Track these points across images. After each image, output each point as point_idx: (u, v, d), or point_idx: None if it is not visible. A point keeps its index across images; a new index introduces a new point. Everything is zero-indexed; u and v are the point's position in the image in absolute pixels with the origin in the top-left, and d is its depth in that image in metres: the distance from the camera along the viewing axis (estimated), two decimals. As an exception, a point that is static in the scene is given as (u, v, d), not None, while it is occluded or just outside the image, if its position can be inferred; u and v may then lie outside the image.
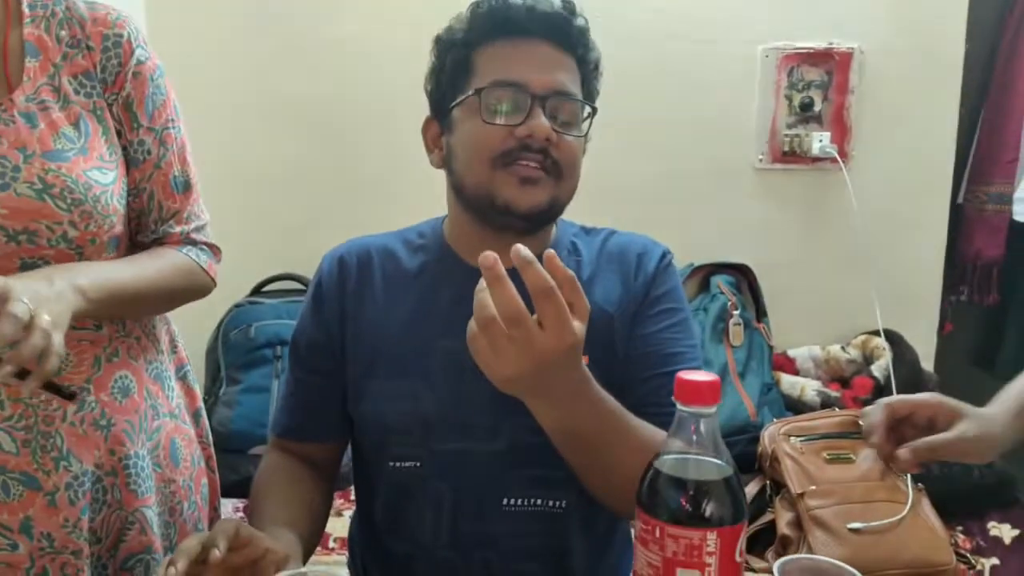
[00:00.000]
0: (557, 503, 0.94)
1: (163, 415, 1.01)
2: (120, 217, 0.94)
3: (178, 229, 1.01)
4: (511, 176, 0.91)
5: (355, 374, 0.97)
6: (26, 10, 0.91)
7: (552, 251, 0.71)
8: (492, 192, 0.91)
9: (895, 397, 0.90)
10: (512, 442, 0.92)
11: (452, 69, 0.96)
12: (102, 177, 0.92)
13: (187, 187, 1.02)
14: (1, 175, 0.85)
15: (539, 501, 0.93)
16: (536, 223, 0.94)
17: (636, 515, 0.65)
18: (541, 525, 0.94)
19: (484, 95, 0.92)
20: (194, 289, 1.02)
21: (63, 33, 0.92)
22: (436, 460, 0.94)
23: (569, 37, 0.95)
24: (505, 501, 0.93)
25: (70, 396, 0.85)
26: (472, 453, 0.93)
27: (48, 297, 0.78)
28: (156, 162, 0.98)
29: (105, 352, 0.95)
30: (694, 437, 0.64)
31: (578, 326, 0.70)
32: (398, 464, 0.95)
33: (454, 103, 0.95)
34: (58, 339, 0.76)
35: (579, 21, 0.95)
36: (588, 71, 0.97)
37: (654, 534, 0.63)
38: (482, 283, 0.70)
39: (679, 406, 0.64)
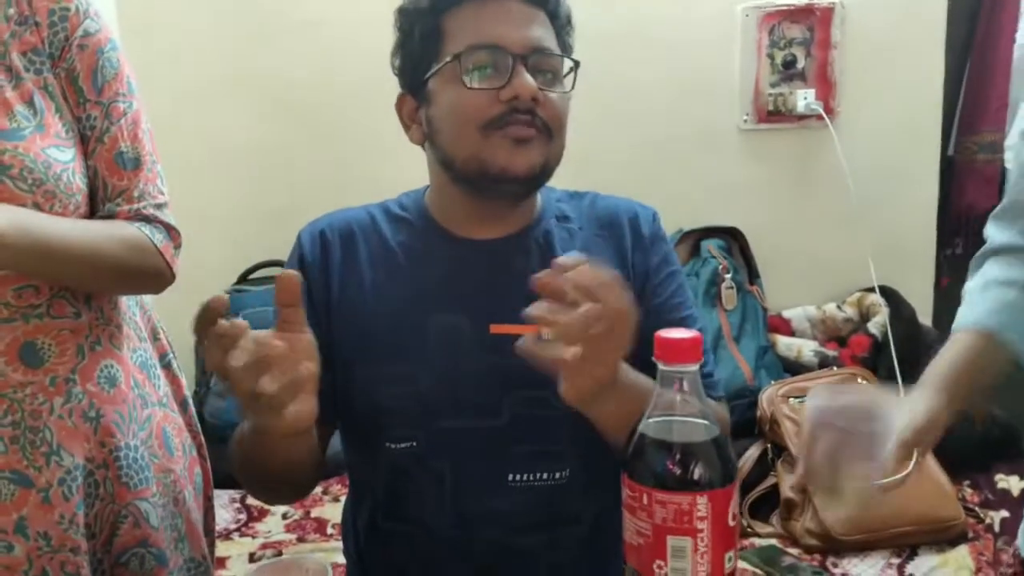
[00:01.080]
0: (560, 474, 0.92)
1: (152, 404, 0.98)
2: (84, 196, 0.91)
3: (126, 207, 0.94)
4: (503, 139, 0.87)
5: (344, 355, 0.94)
6: None
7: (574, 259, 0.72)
8: (484, 160, 0.88)
9: (822, 406, 0.84)
10: (513, 417, 0.90)
11: (421, 38, 0.92)
12: (60, 155, 0.88)
13: (137, 163, 0.95)
14: None
15: (544, 475, 0.92)
16: (531, 187, 0.92)
17: (622, 481, 0.62)
18: (545, 497, 0.92)
19: (463, 60, 0.88)
20: (145, 269, 0.95)
21: (11, 11, 0.89)
22: (435, 439, 0.91)
23: None
24: (509, 477, 0.91)
25: None
26: (472, 431, 0.90)
27: None
28: (99, 136, 0.93)
29: (87, 340, 0.92)
30: (678, 397, 0.61)
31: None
32: (395, 445, 0.92)
33: (429, 73, 0.91)
34: None
35: None
36: (560, 26, 0.94)
37: (641, 500, 0.60)
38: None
39: (661, 365, 0.61)
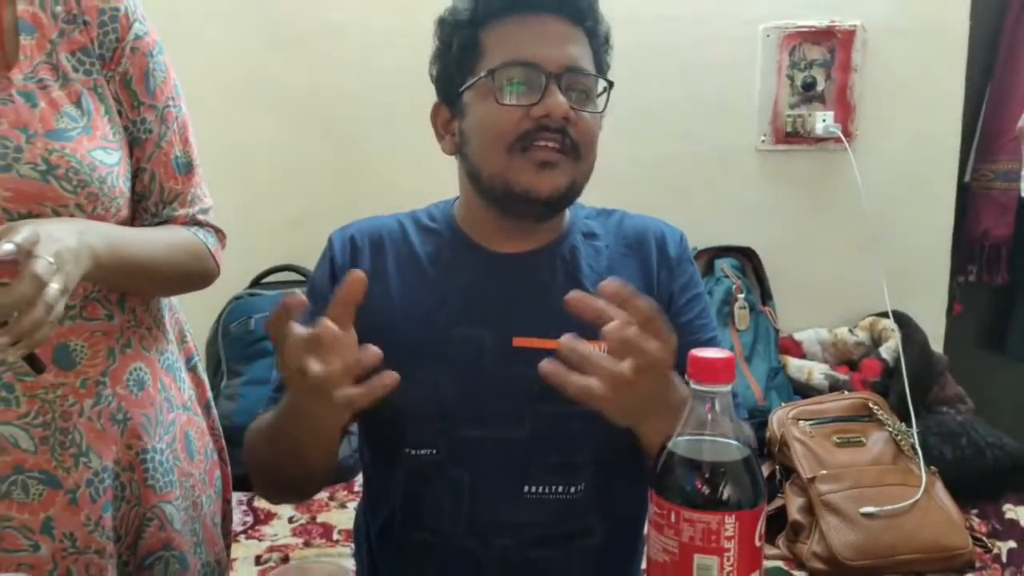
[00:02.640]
0: (576, 487, 0.92)
1: (176, 407, 0.98)
2: (126, 200, 0.91)
3: (182, 211, 0.96)
4: (528, 162, 0.88)
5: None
6: None
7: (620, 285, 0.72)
8: (509, 179, 0.89)
9: None
10: (533, 429, 0.90)
11: (459, 51, 0.93)
12: (107, 157, 0.88)
13: (189, 168, 0.97)
14: (3, 156, 0.82)
15: (559, 488, 0.92)
16: (555, 208, 0.92)
17: (650, 499, 0.62)
18: (560, 510, 0.93)
19: (497, 76, 0.89)
20: (200, 273, 0.97)
21: (58, 9, 0.88)
22: (455, 448, 0.92)
23: (579, 10, 0.92)
24: (526, 488, 0.92)
25: (41, 369, 0.80)
26: (492, 441, 0.91)
27: (68, 258, 0.74)
28: (157, 141, 0.94)
29: (119, 343, 0.92)
30: (709, 417, 0.61)
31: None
32: (415, 452, 0.93)
33: (464, 86, 0.92)
34: (60, 308, 0.73)
35: None
36: (598, 44, 0.95)
37: (669, 519, 0.60)
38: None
39: (693, 384, 0.61)
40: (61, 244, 0.74)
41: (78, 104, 0.88)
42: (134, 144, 0.93)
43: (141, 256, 0.88)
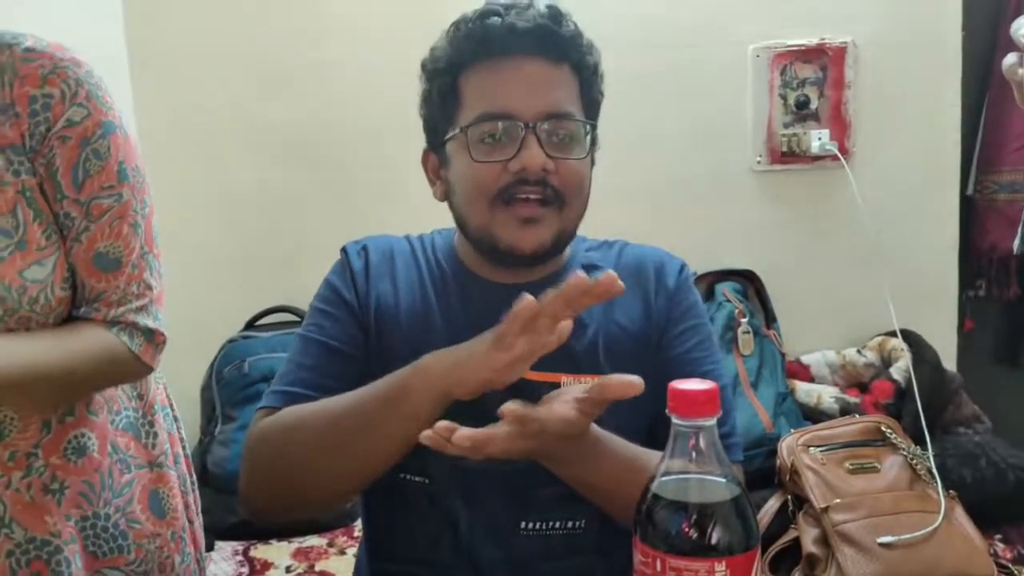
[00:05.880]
0: (575, 523, 0.89)
1: (135, 468, 0.93)
2: (66, 303, 0.85)
3: (103, 312, 0.87)
4: (511, 217, 0.87)
5: (372, 368, 0.90)
6: None
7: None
8: (494, 234, 0.88)
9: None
10: (530, 461, 0.85)
11: (439, 98, 0.91)
12: (39, 272, 0.82)
13: (117, 264, 0.87)
14: None
15: (557, 524, 0.89)
16: (544, 260, 0.92)
17: (634, 545, 0.57)
18: (560, 548, 0.90)
19: (471, 132, 0.87)
20: (119, 377, 0.90)
21: None
22: (450, 477, 0.89)
23: (558, 48, 0.89)
24: (523, 524, 0.89)
25: None
26: (488, 472, 0.87)
27: None
28: (76, 236, 0.85)
29: (57, 414, 0.87)
30: (693, 454, 0.56)
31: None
32: (408, 476, 0.90)
33: (446, 137, 0.91)
34: None
35: (567, 28, 0.90)
36: (587, 77, 0.92)
37: (655, 566, 0.55)
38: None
39: (675, 419, 0.57)
40: None
41: (13, 215, 0.81)
42: (66, 237, 0.86)
43: (34, 372, 0.80)
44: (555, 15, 0.89)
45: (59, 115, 0.82)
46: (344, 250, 0.99)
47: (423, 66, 0.94)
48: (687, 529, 0.55)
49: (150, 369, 0.91)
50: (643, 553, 0.56)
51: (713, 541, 0.55)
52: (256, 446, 0.87)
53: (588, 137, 0.91)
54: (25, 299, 0.81)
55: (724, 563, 0.54)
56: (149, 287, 0.90)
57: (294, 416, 0.86)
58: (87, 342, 0.85)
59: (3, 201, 0.81)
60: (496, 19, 0.87)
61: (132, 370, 0.90)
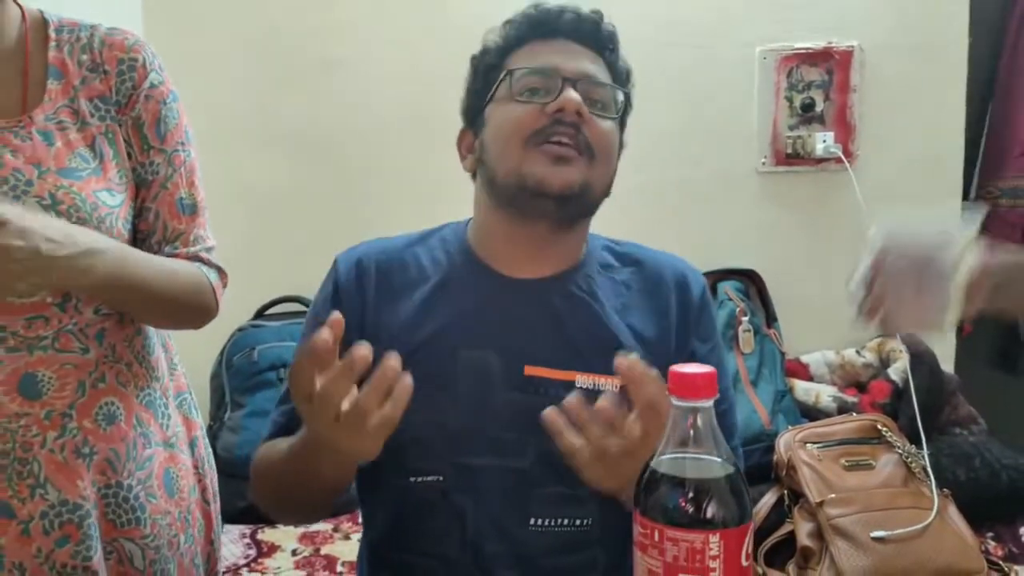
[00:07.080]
0: (583, 521, 0.91)
1: (156, 444, 0.97)
2: (126, 240, 0.94)
3: (183, 250, 0.99)
4: (543, 155, 0.89)
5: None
6: (52, 34, 0.95)
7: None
8: (523, 173, 0.89)
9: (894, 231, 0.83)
10: (538, 458, 0.89)
11: (485, 74, 0.97)
12: (110, 199, 0.92)
13: (193, 209, 1.01)
14: (14, 187, 0.86)
15: (564, 521, 0.91)
16: (569, 208, 0.91)
17: (635, 518, 0.61)
18: (566, 544, 0.91)
19: (515, 77, 0.92)
20: (198, 308, 0.99)
21: (84, 57, 0.95)
22: (460, 474, 0.90)
23: (599, 39, 0.96)
24: (531, 521, 0.90)
25: None
26: (497, 469, 0.90)
27: (36, 228, 0.78)
28: (163, 182, 0.98)
29: (90, 378, 0.92)
30: (691, 433, 0.60)
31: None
32: (419, 479, 0.91)
33: (487, 98, 0.95)
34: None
35: (607, 26, 0.98)
36: (620, 77, 0.99)
37: (652, 538, 0.59)
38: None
39: (674, 400, 0.60)
40: (41, 222, 0.78)
41: (92, 147, 0.93)
42: (141, 185, 0.98)
43: (145, 271, 0.90)
44: (598, 13, 0.98)
45: (143, 77, 0.97)
46: (335, 262, 1.00)
47: (473, 57, 0.99)
48: (683, 503, 0.58)
49: (217, 309, 1.01)
50: (642, 525, 0.59)
51: (708, 515, 0.58)
52: (250, 474, 0.96)
53: (619, 116, 0.96)
54: (96, 215, 0.90)
55: (718, 535, 0.57)
56: (210, 236, 1.04)
57: (263, 462, 0.94)
58: (186, 267, 0.98)
59: (87, 136, 0.94)
60: (548, 6, 0.96)
61: (210, 304, 1.00)
